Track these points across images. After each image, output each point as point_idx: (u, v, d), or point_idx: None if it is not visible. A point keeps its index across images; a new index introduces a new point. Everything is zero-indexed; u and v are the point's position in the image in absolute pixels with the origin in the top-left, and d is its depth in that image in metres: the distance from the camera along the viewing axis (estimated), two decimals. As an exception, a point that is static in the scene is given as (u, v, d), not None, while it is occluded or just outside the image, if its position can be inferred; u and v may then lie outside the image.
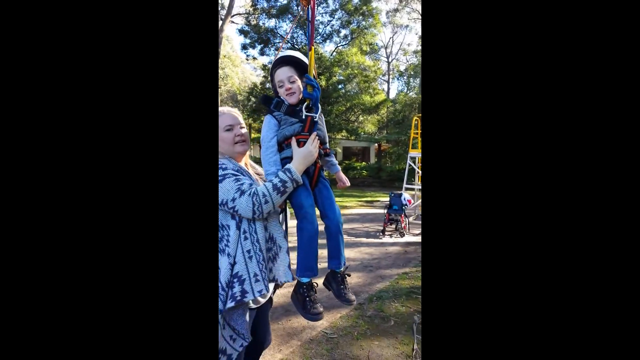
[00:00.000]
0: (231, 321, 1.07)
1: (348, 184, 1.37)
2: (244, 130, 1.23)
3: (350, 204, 9.42)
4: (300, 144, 1.14)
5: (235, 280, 1.04)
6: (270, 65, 1.30)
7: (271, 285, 1.20)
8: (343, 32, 16.14)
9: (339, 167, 1.36)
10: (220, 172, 1.07)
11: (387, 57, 28.38)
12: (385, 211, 6.03)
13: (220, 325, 1.05)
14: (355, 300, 1.19)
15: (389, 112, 20.58)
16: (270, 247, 1.15)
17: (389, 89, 28.07)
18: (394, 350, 2.21)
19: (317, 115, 1.16)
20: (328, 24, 16.05)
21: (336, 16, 15.89)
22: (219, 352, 1.04)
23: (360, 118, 18.71)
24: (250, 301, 1.14)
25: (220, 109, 1.21)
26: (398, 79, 29.08)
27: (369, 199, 10.44)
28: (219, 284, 1.03)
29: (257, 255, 1.08)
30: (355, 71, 16.25)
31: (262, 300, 1.23)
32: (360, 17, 15.74)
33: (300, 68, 1.20)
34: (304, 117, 1.15)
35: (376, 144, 19.80)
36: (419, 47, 23.94)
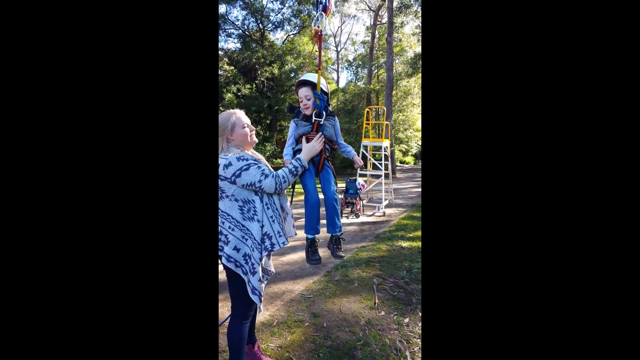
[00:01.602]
0: (265, 265, 1.47)
1: (361, 163, 1.80)
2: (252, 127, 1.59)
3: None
4: (309, 140, 1.60)
5: (265, 237, 1.45)
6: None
7: None
8: (294, 20, 16.21)
9: (355, 152, 1.80)
10: (245, 162, 1.41)
11: (336, 47, 28.94)
12: (342, 195, 6.55)
13: (261, 268, 1.44)
14: (345, 256, 1.63)
15: (340, 101, 21.17)
16: (281, 213, 1.57)
17: (338, 78, 28.75)
18: (360, 304, 2.71)
19: (322, 119, 1.62)
20: (279, 12, 16.00)
21: (287, 4, 15.89)
22: (257, 288, 1.41)
23: (313, 107, 18.99)
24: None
25: (233, 110, 1.53)
26: (347, 68, 29.89)
27: (323, 185, 10.94)
28: (254, 241, 1.41)
29: (278, 219, 1.50)
30: (307, 60, 16.49)
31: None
32: (311, 5, 15.92)
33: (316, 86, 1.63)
34: (313, 121, 1.62)
35: (328, 133, 20.19)
36: (367, 38, 24.76)
